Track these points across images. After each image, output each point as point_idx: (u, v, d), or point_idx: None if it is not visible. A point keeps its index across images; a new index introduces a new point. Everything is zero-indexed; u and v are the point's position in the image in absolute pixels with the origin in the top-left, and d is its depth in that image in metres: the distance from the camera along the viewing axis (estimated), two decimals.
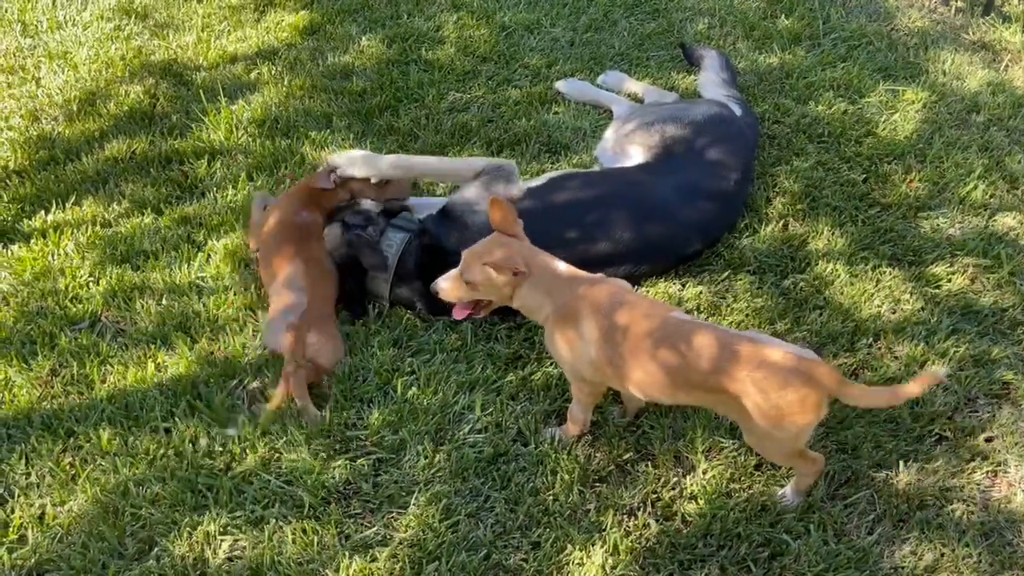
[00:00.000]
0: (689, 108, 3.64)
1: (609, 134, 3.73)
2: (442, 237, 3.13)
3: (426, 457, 2.67)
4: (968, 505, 2.62)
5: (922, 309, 3.17)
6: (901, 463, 2.71)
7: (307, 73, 4.24)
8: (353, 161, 3.32)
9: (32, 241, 3.39)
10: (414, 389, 2.86)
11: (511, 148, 3.82)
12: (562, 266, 2.53)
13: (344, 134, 3.87)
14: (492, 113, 4.01)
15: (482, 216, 3.02)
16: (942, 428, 2.81)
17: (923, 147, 3.86)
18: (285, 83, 4.17)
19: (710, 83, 4.01)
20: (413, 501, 2.57)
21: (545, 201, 3.21)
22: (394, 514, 2.56)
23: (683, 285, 3.22)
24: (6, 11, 4.74)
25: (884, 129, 3.96)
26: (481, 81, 4.19)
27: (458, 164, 3.42)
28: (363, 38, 4.47)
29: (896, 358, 3.00)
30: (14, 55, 4.42)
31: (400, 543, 2.48)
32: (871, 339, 3.06)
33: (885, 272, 3.30)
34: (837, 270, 3.29)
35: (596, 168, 3.65)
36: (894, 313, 3.17)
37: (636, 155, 3.52)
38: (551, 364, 2.92)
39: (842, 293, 3.22)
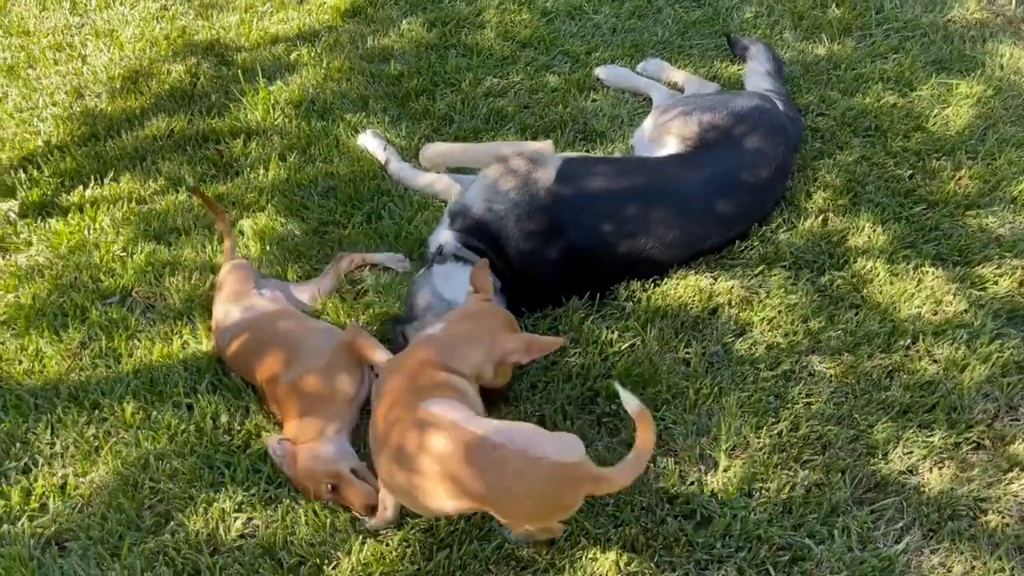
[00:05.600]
0: (730, 99, 3.54)
1: (648, 123, 3.64)
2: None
3: None
4: (1004, 517, 2.51)
5: (965, 311, 3.04)
6: (935, 470, 2.61)
7: (346, 55, 4.23)
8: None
9: (69, 215, 3.45)
10: None
11: (547, 135, 3.75)
12: None
13: (379, 117, 3.86)
14: (529, 99, 3.96)
15: (506, 204, 3.03)
16: (980, 436, 2.70)
17: (975, 143, 3.70)
18: (324, 65, 4.17)
19: (754, 75, 3.89)
20: None
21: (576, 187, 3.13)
22: None
23: (715, 279, 3.14)
24: None
25: (934, 124, 3.80)
26: (519, 67, 4.14)
27: (488, 149, 3.45)
28: (404, 21, 4.44)
29: (935, 361, 2.89)
30: (62, 32, 4.49)
31: (412, 528, 2.47)
32: (909, 340, 2.95)
33: (928, 272, 3.17)
34: (877, 268, 3.17)
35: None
36: (935, 314, 3.04)
37: (672, 145, 3.43)
38: (573, 354, 2.88)
39: (881, 292, 3.10)
